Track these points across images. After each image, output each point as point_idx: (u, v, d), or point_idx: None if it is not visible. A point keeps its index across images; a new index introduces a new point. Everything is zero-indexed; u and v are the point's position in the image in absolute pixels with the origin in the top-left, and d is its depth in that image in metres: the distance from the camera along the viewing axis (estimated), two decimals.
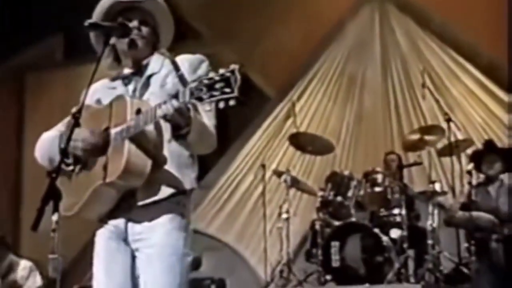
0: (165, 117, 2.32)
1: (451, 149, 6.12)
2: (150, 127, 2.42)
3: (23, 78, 8.95)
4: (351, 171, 6.29)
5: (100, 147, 2.47)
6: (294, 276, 6.05)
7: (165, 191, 2.48)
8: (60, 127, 2.71)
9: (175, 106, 2.26)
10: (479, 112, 7.15)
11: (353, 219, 5.89)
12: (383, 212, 6.03)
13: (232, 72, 2.13)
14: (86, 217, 2.57)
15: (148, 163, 2.43)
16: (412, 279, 5.61)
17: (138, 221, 2.51)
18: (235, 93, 2.11)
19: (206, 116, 2.51)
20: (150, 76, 2.63)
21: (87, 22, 2.60)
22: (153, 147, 2.46)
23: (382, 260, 5.51)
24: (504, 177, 5.62)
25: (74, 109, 2.45)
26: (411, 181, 6.71)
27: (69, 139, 2.40)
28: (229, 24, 8.18)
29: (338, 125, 7.67)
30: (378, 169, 6.22)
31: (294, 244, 6.63)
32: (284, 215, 6.39)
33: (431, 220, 5.84)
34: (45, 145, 2.68)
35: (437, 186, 6.03)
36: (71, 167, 2.55)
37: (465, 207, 5.48)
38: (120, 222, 2.54)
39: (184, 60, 2.57)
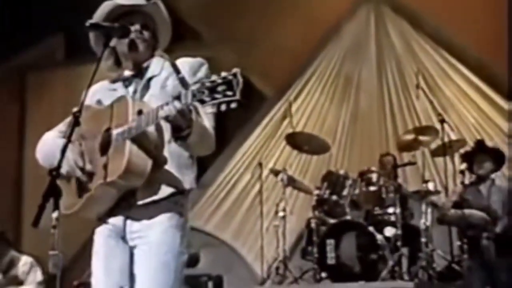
0: (167, 119, 2.32)
1: (445, 149, 6.16)
2: (151, 128, 2.43)
3: (24, 78, 8.92)
4: (346, 170, 6.31)
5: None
6: (290, 273, 6.08)
7: (165, 190, 2.50)
8: (61, 127, 2.75)
9: (177, 108, 2.26)
10: (472, 112, 7.16)
11: (348, 218, 5.91)
12: (377, 210, 6.05)
13: (234, 75, 2.13)
14: (86, 216, 2.59)
15: (149, 163, 2.44)
16: (405, 277, 5.64)
17: (136, 219, 2.53)
18: (237, 96, 2.11)
19: (206, 118, 2.53)
20: (150, 79, 2.64)
21: (88, 23, 2.60)
22: (154, 147, 2.47)
23: (376, 258, 5.55)
24: (495, 176, 5.67)
25: (75, 109, 2.46)
26: (405, 181, 6.73)
27: (69, 139, 2.42)
28: (228, 25, 8.18)
29: (334, 125, 7.68)
30: (373, 168, 6.24)
31: (290, 241, 6.66)
32: (281, 213, 6.43)
33: (424, 219, 5.86)
34: (46, 149, 2.71)
35: (430, 186, 6.07)
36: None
37: (457, 205, 5.52)
38: (118, 220, 2.56)
39: (184, 63, 2.59)
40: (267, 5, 8.00)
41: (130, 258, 2.56)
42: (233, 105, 2.12)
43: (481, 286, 5.28)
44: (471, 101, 7.23)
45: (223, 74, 2.15)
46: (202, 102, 2.16)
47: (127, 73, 2.72)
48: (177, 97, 2.27)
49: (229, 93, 2.12)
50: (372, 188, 6.10)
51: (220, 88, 2.13)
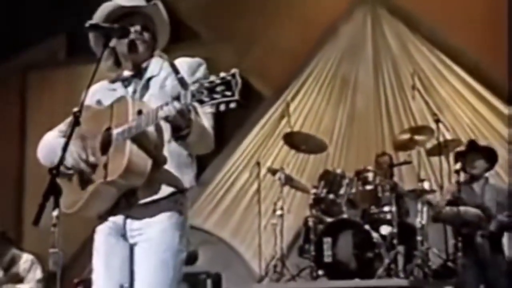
0: (166, 119, 2.34)
1: (440, 149, 6.19)
2: (151, 128, 2.44)
3: (26, 77, 8.91)
4: (343, 169, 6.31)
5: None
6: (287, 270, 6.10)
7: (165, 190, 2.52)
8: (62, 127, 2.76)
9: (177, 108, 2.27)
10: (467, 113, 7.17)
11: (345, 216, 5.93)
12: (373, 209, 6.06)
13: (233, 75, 2.14)
14: (86, 215, 2.61)
15: (149, 163, 2.45)
16: (401, 274, 5.64)
17: (136, 218, 2.55)
18: (236, 97, 2.12)
19: (205, 117, 2.55)
20: (149, 79, 2.65)
21: (87, 23, 2.61)
22: (154, 147, 2.48)
23: (372, 256, 5.57)
24: (489, 175, 5.70)
25: (75, 109, 2.47)
26: (401, 180, 6.72)
27: (69, 138, 2.44)
28: (226, 25, 8.20)
29: (331, 125, 7.68)
30: (370, 167, 6.25)
31: (287, 240, 6.69)
32: (278, 212, 6.45)
33: (420, 218, 5.88)
34: (47, 148, 2.72)
35: (426, 185, 6.08)
36: (71, 171, 2.58)
37: (451, 203, 5.55)
38: (119, 218, 2.58)
39: (183, 63, 2.61)
40: (265, 6, 8.01)
41: (130, 256, 2.58)
42: (232, 105, 2.14)
43: (475, 284, 5.31)
44: (466, 101, 7.23)
45: (222, 74, 2.16)
46: (201, 102, 2.18)
47: (127, 73, 2.74)
48: (177, 98, 2.28)
49: (228, 93, 2.13)
50: (368, 187, 6.12)
51: (219, 89, 2.14)
